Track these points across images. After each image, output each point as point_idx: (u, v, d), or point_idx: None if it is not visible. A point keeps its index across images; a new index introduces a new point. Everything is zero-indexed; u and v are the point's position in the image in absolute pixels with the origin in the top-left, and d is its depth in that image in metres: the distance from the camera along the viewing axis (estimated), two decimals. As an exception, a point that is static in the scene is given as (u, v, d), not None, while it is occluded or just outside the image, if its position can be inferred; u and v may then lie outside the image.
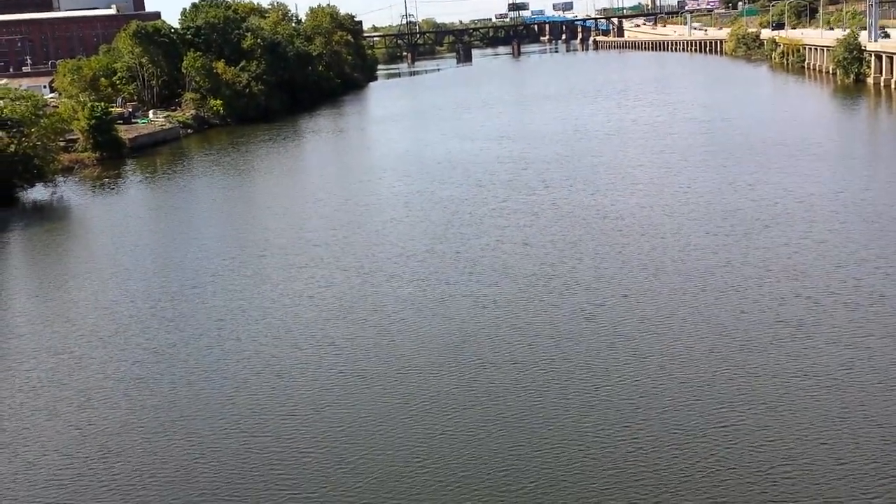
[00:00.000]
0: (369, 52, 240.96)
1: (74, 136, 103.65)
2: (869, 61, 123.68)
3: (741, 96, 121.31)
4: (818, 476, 25.36)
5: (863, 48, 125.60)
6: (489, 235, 54.43)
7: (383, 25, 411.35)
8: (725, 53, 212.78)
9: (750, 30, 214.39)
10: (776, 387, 30.94)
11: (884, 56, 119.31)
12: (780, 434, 27.70)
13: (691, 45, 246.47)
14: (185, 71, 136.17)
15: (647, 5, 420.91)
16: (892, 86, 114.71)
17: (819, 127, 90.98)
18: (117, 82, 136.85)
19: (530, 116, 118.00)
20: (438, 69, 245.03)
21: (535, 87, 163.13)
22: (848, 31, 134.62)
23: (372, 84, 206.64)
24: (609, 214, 57.22)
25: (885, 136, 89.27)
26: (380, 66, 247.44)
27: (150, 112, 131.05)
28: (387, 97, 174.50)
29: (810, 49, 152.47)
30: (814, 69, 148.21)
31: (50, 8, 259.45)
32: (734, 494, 24.75)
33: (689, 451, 27.08)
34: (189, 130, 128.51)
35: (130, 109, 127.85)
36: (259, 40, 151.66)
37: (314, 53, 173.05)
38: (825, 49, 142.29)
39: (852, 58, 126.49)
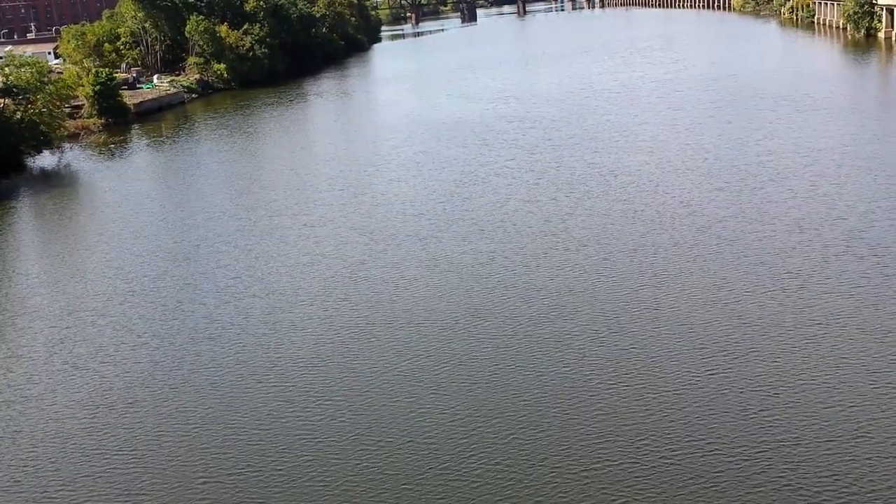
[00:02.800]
0: (373, 13, 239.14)
1: (80, 103, 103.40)
2: (880, 15, 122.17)
3: (749, 52, 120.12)
4: (815, 415, 25.68)
5: (874, 2, 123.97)
6: (496, 194, 54.48)
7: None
8: (734, 10, 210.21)
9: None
10: (780, 333, 31.32)
11: (895, 10, 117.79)
12: (779, 377, 28.09)
13: (699, 2, 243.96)
14: (188, 35, 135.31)
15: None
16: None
17: (827, 82, 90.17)
18: (121, 47, 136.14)
19: (536, 76, 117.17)
20: (443, 29, 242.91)
21: (540, 46, 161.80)
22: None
23: (376, 46, 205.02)
24: (616, 171, 57.18)
25: (892, 90, 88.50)
26: (383, 28, 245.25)
27: (155, 77, 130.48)
28: (391, 58, 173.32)
29: (820, 4, 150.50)
30: (824, 24, 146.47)
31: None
32: (730, 436, 25.06)
33: (691, 392, 27.45)
34: (193, 95, 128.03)
35: (135, 75, 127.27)
36: (262, 3, 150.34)
37: (317, 15, 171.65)
38: (836, 3, 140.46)
39: (863, 12, 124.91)
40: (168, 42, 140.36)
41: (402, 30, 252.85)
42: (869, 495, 22.30)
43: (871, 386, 27.46)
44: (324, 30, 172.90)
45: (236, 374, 32.47)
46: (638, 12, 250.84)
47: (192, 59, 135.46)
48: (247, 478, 25.66)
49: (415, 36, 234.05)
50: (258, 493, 24.89)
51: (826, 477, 23.18)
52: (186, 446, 27.74)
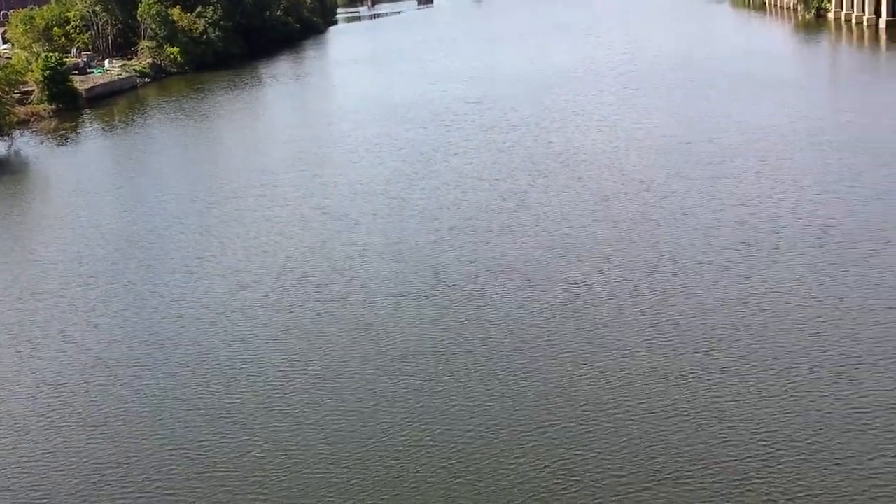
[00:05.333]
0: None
1: (29, 89, 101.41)
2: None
3: (702, 33, 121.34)
4: (756, 376, 26.40)
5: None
6: (455, 173, 54.73)
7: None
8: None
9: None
10: (727, 301, 32.13)
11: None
12: (727, 341, 28.92)
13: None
14: (140, 18, 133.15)
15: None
16: (853, 20, 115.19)
17: (778, 61, 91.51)
18: (71, 32, 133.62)
19: (493, 58, 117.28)
20: (399, 12, 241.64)
21: (498, 28, 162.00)
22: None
23: (332, 28, 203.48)
24: (572, 150, 57.75)
25: (841, 69, 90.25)
26: (339, 10, 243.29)
27: (106, 61, 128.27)
28: (348, 41, 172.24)
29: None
30: (775, 5, 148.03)
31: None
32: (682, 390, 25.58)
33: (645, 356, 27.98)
34: (146, 79, 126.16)
35: (85, 59, 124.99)
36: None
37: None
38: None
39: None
40: (119, 25, 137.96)
41: (359, 12, 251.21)
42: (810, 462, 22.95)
43: (814, 346, 28.28)
44: (279, 12, 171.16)
45: (195, 353, 32.50)
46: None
47: (144, 43, 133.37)
48: (201, 455, 25.71)
49: (371, 18, 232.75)
50: (211, 469, 24.94)
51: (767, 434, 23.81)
52: (144, 426, 27.75)
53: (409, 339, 31.87)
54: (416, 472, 23.92)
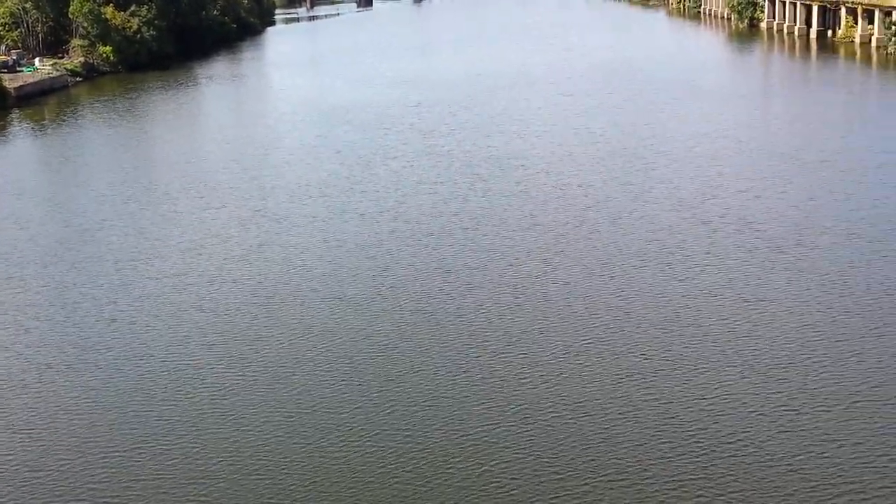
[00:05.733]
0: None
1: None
2: (763, 6, 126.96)
3: (639, 40, 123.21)
4: (689, 373, 26.89)
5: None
6: (394, 176, 54.64)
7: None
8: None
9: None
10: (663, 302, 32.80)
11: (777, 1, 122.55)
12: (668, 337, 29.43)
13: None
14: (71, 16, 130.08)
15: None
16: (785, 30, 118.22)
17: (712, 69, 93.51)
18: (0, 29, 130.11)
19: (432, 61, 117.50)
20: (339, 14, 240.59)
21: (436, 32, 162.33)
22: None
23: (270, 29, 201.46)
24: (510, 154, 58.23)
25: (773, 78, 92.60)
26: (277, 11, 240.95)
27: (36, 60, 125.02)
28: (286, 42, 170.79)
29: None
30: (710, 14, 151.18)
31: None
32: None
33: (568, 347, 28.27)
34: (78, 78, 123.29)
35: (14, 57, 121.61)
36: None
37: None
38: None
39: (747, 3, 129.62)
40: (50, 23, 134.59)
41: (297, 13, 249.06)
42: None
43: (745, 347, 28.96)
44: (215, 12, 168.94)
45: (129, 357, 31.78)
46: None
47: (76, 42, 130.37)
48: (133, 460, 25.23)
49: (309, 20, 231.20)
50: (142, 473, 24.52)
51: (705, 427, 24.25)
52: (79, 429, 27.07)
53: (346, 342, 31.71)
54: (350, 474, 23.77)
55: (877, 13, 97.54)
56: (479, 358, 29.75)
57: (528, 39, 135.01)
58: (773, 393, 26.33)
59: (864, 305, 31.80)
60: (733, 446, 23.82)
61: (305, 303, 35.61)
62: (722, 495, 21.90)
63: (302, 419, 26.69)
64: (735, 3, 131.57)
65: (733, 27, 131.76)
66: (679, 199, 45.59)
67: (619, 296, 34.09)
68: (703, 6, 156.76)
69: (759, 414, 25.28)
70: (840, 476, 22.32)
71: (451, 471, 23.59)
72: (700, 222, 41.89)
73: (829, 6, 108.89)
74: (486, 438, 24.95)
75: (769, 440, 23.97)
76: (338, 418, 26.56)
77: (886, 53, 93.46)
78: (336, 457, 24.62)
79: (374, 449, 24.83)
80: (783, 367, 27.76)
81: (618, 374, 28.00)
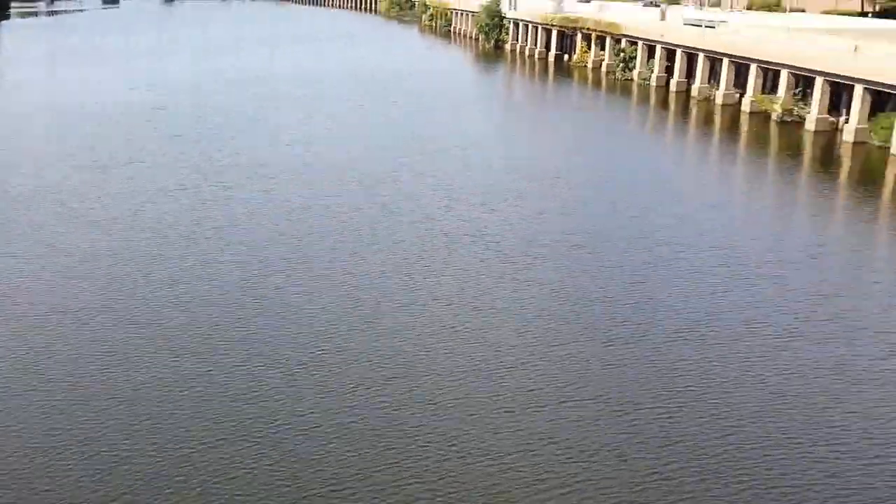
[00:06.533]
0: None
1: None
2: (508, 28, 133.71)
3: (388, 54, 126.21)
4: (407, 382, 27.90)
5: (503, 16, 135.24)
6: (127, 183, 52.43)
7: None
8: (380, 13, 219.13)
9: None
10: (407, 311, 33.68)
11: (520, 24, 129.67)
12: (400, 344, 30.21)
13: (349, 3, 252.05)
14: None
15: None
16: (527, 52, 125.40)
17: (459, 85, 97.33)
18: None
19: (170, 67, 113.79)
20: (82, 10, 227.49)
21: (187, 35, 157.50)
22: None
23: (4, 23, 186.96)
24: (262, 163, 57.63)
25: (514, 96, 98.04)
26: (14, 4, 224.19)
27: None
28: (23, 38, 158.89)
29: (457, 13, 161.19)
30: (459, 34, 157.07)
31: None
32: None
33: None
34: None
35: None
36: None
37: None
38: (470, 14, 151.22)
39: (493, 24, 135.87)
40: None
41: (36, 7, 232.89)
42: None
43: (470, 350, 30.35)
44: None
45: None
46: (291, 7, 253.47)
47: None
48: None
49: (49, 15, 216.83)
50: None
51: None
52: None
53: (67, 353, 29.93)
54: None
55: (608, 40, 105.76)
56: (187, 378, 29.17)
57: (283, 48, 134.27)
58: (494, 395, 27.76)
59: (578, 312, 34.31)
60: (456, 448, 24.84)
61: (26, 315, 33.31)
62: (452, 493, 22.79)
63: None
64: (482, 25, 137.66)
65: (481, 47, 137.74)
66: (421, 212, 47.01)
67: (359, 304, 34.57)
68: (453, 25, 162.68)
69: (480, 416, 26.56)
70: (549, 472, 23.90)
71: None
72: (440, 233, 43.43)
73: (566, 32, 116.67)
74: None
75: (488, 440, 25.23)
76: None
77: (615, 78, 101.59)
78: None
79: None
80: (504, 371, 29.32)
81: (349, 383, 28.38)
